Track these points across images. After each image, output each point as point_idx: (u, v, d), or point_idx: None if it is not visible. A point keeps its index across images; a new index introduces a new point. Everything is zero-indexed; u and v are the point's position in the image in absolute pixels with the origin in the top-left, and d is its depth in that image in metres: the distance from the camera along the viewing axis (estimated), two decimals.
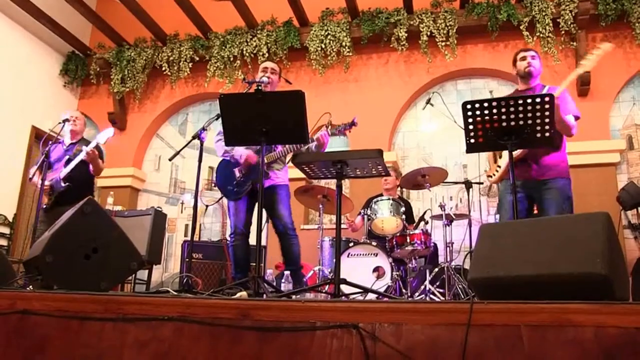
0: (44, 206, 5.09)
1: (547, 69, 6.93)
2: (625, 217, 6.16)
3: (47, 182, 5.04)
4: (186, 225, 8.23)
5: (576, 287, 1.93)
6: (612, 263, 1.94)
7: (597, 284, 1.90)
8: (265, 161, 4.35)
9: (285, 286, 5.14)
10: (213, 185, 7.38)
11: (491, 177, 4.39)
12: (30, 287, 3.15)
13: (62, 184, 5.13)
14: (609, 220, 2.06)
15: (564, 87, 4.02)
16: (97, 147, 5.13)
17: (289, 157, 4.57)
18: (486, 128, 3.27)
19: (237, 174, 4.46)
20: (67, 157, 5.25)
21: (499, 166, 4.28)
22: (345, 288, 3.30)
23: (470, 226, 5.67)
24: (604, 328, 1.73)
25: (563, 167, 4.10)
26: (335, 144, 4.41)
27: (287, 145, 4.37)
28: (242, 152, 4.45)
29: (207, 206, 7.51)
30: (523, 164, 4.07)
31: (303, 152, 4.27)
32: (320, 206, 5.68)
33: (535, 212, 4.35)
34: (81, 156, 5.07)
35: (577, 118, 4.13)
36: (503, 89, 7.42)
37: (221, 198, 4.71)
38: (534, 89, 4.24)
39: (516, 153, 3.95)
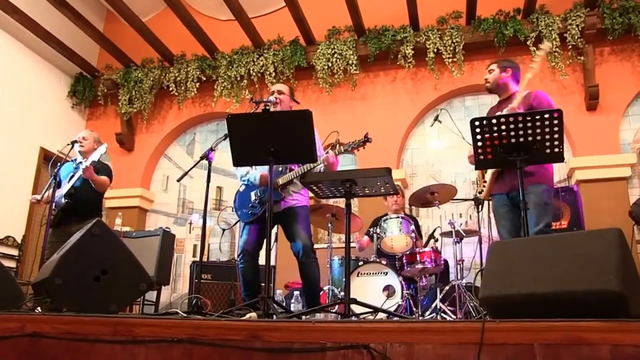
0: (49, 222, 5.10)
1: (554, 84, 6.94)
2: (638, 232, 6.11)
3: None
4: (194, 246, 8.22)
5: (590, 305, 1.91)
6: (626, 279, 1.92)
7: (611, 301, 1.88)
8: (280, 183, 4.34)
9: (295, 306, 5.12)
10: (229, 207, 7.37)
11: (481, 193, 4.37)
12: (39, 309, 3.14)
13: (63, 200, 5.14)
14: (622, 236, 2.04)
15: (519, 99, 4.03)
16: (92, 163, 5.10)
17: None
18: (495, 144, 3.26)
19: (253, 197, 4.44)
20: (71, 174, 5.27)
21: (485, 181, 4.27)
22: (355, 308, 3.28)
23: (480, 243, 5.63)
24: (620, 347, 1.71)
25: (542, 173, 4.01)
26: (343, 163, 4.39)
27: (302, 166, 4.31)
28: (256, 174, 4.44)
29: (223, 230, 7.51)
30: (502, 176, 4.09)
31: (312, 173, 4.25)
32: (329, 225, 5.67)
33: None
34: (78, 174, 5.08)
35: None
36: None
37: (237, 222, 4.68)
38: (512, 97, 4.21)
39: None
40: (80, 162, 5.43)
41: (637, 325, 1.74)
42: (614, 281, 1.89)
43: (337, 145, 4.23)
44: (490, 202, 4.40)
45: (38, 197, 5.39)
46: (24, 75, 7.97)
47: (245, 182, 4.55)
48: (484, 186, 4.29)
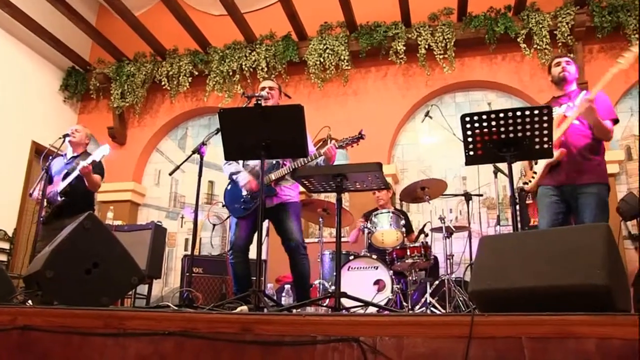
0: (42, 218, 5.07)
1: (544, 81, 6.96)
2: (625, 227, 6.17)
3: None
4: (186, 240, 8.23)
5: (577, 299, 1.93)
6: (613, 274, 1.94)
7: (598, 295, 1.91)
8: (273, 178, 4.35)
9: (286, 300, 5.14)
10: (220, 202, 7.37)
11: (527, 183, 4.30)
12: (30, 302, 3.14)
13: (59, 198, 5.11)
14: (609, 232, 2.07)
15: (598, 89, 3.97)
16: (93, 162, 5.09)
17: None
18: (485, 140, 3.28)
19: (244, 192, 4.44)
20: (65, 170, 5.24)
21: (535, 172, 4.20)
22: (345, 301, 3.29)
23: (470, 238, 5.67)
24: (606, 340, 1.73)
25: (600, 171, 4.03)
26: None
27: (296, 161, 4.32)
28: (244, 178, 4.44)
29: (214, 225, 7.51)
30: (558, 168, 4.04)
31: (306, 167, 4.26)
32: (320, 220, 5.69)
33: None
34: (77, 171, 5.06)
35: (616, 121, 4.07)
36: (501, 101, 7.45)
37: (228, 217, 4.69)
38: (569, 95, 4.22)
39: (556, 154, 3.92)
40: (73, 157, 5.41)
41: (623, 318, 1.76)
42: (601, 275, 1.91)
43: (332, 140, 4.25)
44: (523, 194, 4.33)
45: (31, 191, 5.36)
46: (16, 69, 7.93)
47: (234, 180, 4.54)
48: (532, 177, 4.23)
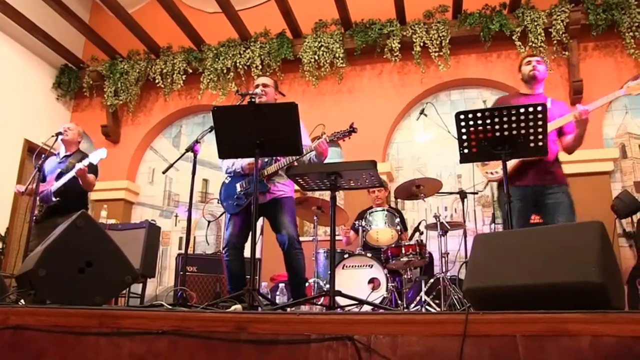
0: (35, 217, 5.05)
1: None
2: (620, 225, 6.19)
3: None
4: (180, 238, 8.21)
5: (572, 296, 1.93)
6: (608, 272, 1.94)
7: (592, 292, 1.90)
8: (266, 173, 4.34)
9: (280, 299, 5.13)
10: (215, 199, 7.35)
11: (492, 173, 4.27)
12: (22, 301, 3.12)
13: (53, 199, 5.09)
14: (604, 229, 2.06)
15: (598, 105, 4.15)
16: (90, 165, 5.07)
17: None
18: (480, 138, 3.27)
19: (239, 188, 4.43)
20: (59, 170, 5.22)
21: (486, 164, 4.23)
22: (340, 300, 3.29)
23: (465, 236, 5.67)
24: (600, 337, 1.73)
25: (563, 173, 4.21)
26: (329, 156, 4.38)
27: (288, 157, 4.31)
28: (242, 162, 4.43)
29: (208, 222, 7.49)
30: (528, 168, 4.09)
31: (299, 164, 4.24)
32: (315, 218, 5.68)
33: (534, 220, 4.33)
34: (72, 173, 5.04)
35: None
36: (496, 99, 7.44)
37: (222, 214, 4.68)
38: (536, 97, 4.22)
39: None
40: (67, 156, 5.39)
41: (617, 316, 1.76)
42: (595, 273, 1.91)
43: (323, 135, 4.24)
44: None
45: (22, 188, 5.35)
46: (8, 67, 7.88)
47: (231, 175, 4.54)
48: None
